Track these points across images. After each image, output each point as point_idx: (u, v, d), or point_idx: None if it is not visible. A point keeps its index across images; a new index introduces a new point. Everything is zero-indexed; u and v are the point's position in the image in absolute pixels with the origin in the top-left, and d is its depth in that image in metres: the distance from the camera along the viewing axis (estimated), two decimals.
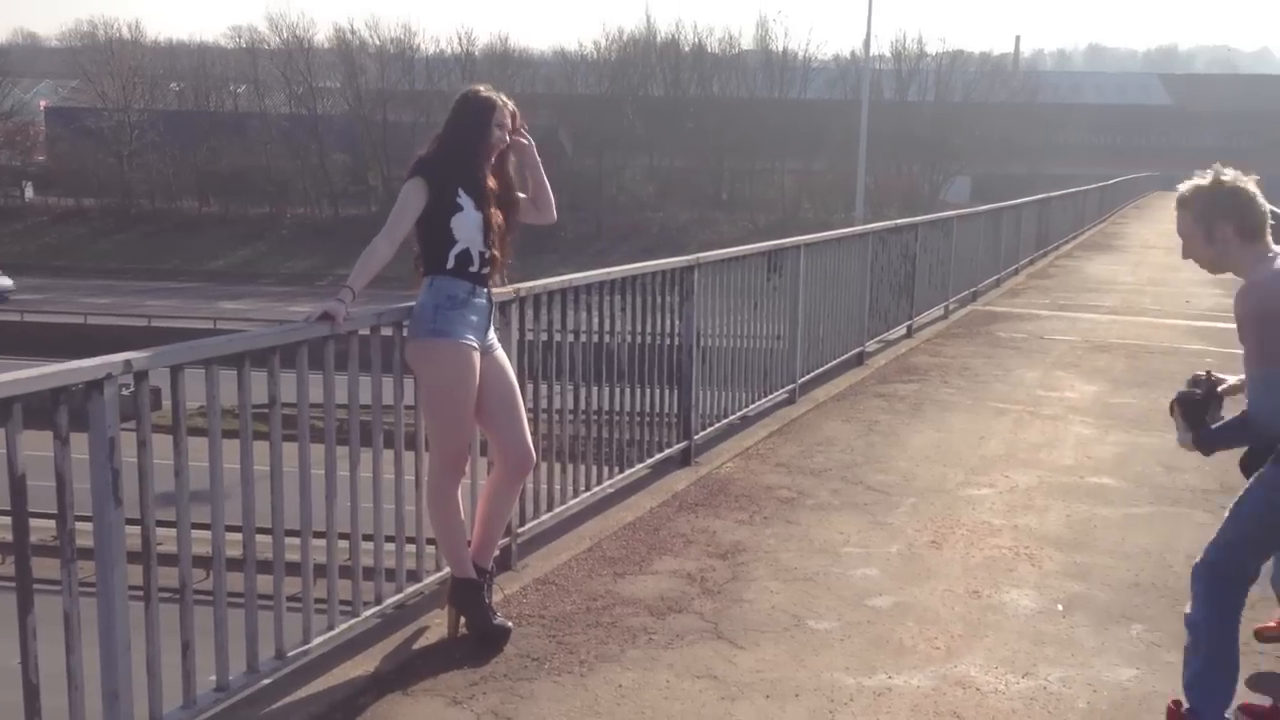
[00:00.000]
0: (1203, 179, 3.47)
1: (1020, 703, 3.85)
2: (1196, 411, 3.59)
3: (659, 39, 71.52)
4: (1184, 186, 3.51)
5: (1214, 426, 3.53)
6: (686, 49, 70.87)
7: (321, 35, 70.00)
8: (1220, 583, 3.48)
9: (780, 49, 71.04)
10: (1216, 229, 3.41)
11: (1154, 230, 30.87)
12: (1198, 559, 3.56)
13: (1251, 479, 3.52)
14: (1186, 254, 3.59)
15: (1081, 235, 27.26)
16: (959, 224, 13.67)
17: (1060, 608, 4.67)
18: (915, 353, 10.77)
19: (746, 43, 72.71)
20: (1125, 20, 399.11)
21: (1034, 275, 18.52)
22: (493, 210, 4.11)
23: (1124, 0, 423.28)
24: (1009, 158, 65.36)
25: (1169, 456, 6.96)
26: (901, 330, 11.42)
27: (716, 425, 7.07)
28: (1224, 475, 6.66)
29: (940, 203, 56.17)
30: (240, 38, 70.65)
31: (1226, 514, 3.55)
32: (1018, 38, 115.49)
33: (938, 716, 3.74)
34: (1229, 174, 3.44)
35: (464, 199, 4.04)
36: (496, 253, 4.15)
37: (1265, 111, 70.06)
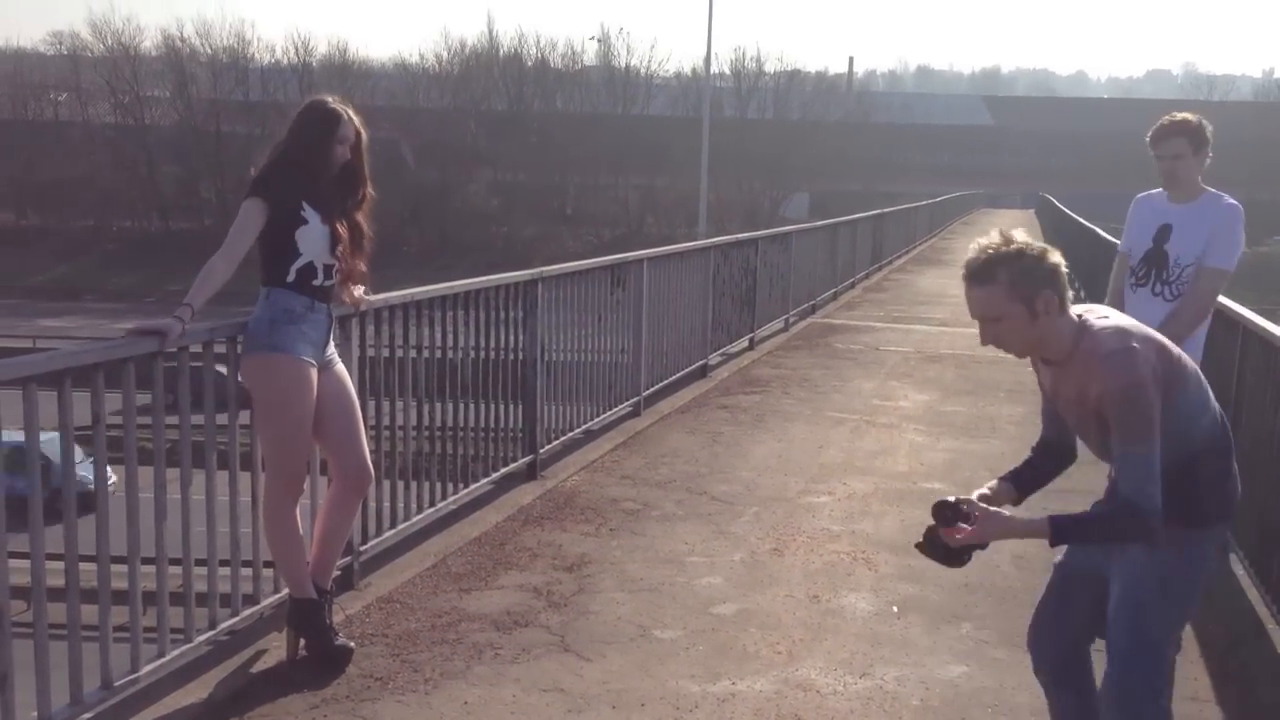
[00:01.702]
0: (998, 245, 2.83)
1: (858, 702, 3.96)
2: (941, 545, 2.95)
3: (501, 53, 71.42)
4: (981, 256, 2.84)
5: (1071, 518, 2.85)
6: (529, 63, 70.96)
7: (149, 42, 67.48)
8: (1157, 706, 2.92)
9: (623, 65, 71.81)
10: (1039, 300, 2.79)
11: None
12: (1107, 693, 2.94)
13: (1113, 583, 2.95)
14: (994, 338, 2.90)
15: (913, 250, 28.27)
16: (798, 239, 14.03)
17: (895, 609, 4.83)
18: (757, 365, 10.99)
19: (589, 58, 73.23)
20: (952, 43, 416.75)
21: (869, 289, 19.12)
22: (339, 221, 4.04)
23: (951, 24, 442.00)
24: (845, 175, 67.38)
25: (995, 461, 7.28)
26: (744, 343, 11.63)
27: (562, 439, 7.07)
28: None
29: (780, 218, 57.46)
30: (61, 44, 67.63)
31: (1115, 628, 2.95)
32: (851, 58, 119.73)
33: (779, 719, 3.82)
34: (1021, 234, 2.86)
35: (309, 212, 3.96)
36: (346, 265, 4.08)
37: (1080, 132, 73.97)
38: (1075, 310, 2.88)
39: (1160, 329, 4.26)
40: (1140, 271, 4.81)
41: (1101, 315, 2.90)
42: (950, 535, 2.90)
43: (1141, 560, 2.88)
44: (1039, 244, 2.85)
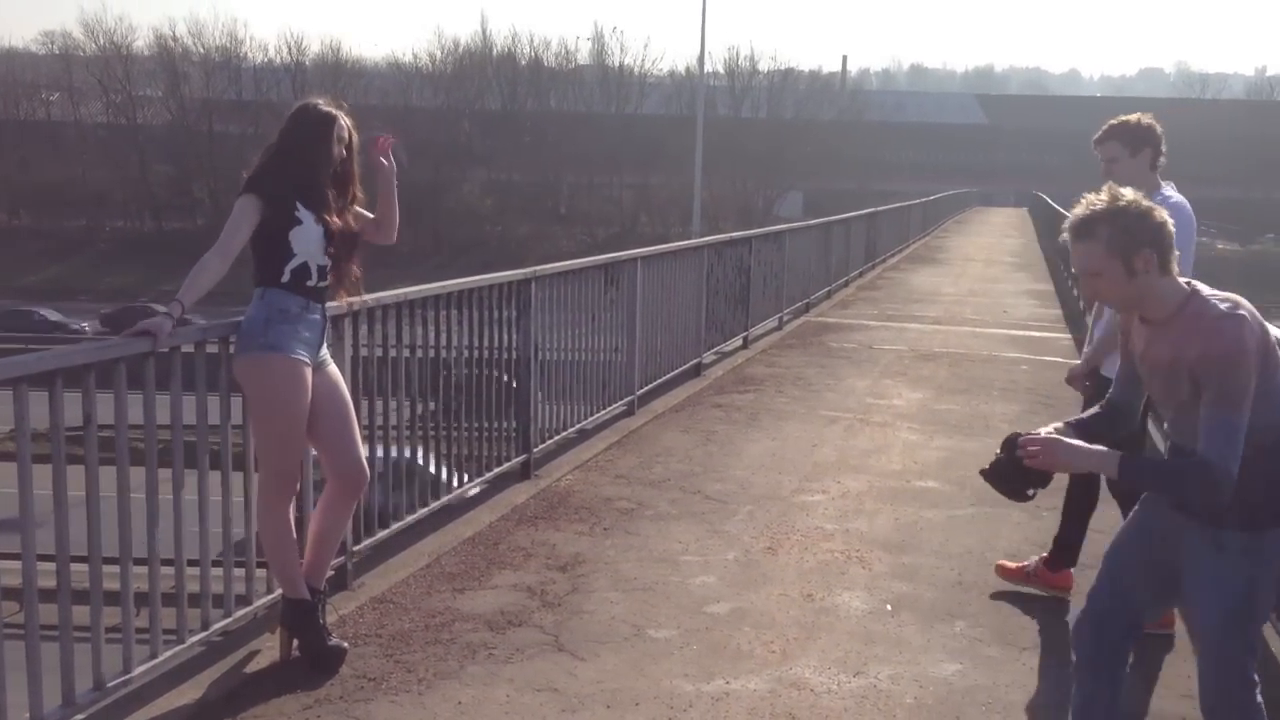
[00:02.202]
0: (1102, 201, 2.90)
1: (852, 701, 3.96)
2: (1008, 474, 3.14)
3: (495, 52, 71.40)
4: (1083, 212, 2.90)
5: (1142, 458, 2.98)
6: (523, 62, 70.95)
7: (141, 42, 67.47)
8: (1251, 708, 2.95)
9: (616, 64, 71.83)
10: (1138, 259, 2.84)
11: (974, 243, 32.34)
12: (1205, 701, 2.98)
13: (1200, 579, 2.97)
14: (1093, 293, 3.02)
15: (907, 249, 28.29)
16: (791, 237, 14.02)
17: (889, 608, 4.83)
18: (751, 363, 10.99)
19: (583, 57, 73.21)
20: (945, 42, 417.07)
21: (863, 287, 19.13)
22: (334, 223, 4.03)
23: (944, 22, 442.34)
24: (839, 173, 67.47)
25: (988, 459, 7.28)
26: (738, 341, 11.64)
27: (556, 438, 7.07)
28: None
29: (774, 217, 57.56)
30: (53, 44, 67.48)
31: (1203, 637, 3.00)
32: (845, 57, 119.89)
33: (774, 718, 3.82)
34: (1129, 193, 2.91)
35: (303, 212, 3.95)
36: (341, 266, 4.08)
37: (1073, 130, 73.86)
38: (1184, 279, 2.92)
39: (1106, 328, 4.46)
40: None
41: (1212, 289, 2.93)
42: (1024, 451, 2.99)
43: (1229, 571, 2.90)
44: (1144, 202, 2.90)
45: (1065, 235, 2.97)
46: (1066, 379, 5.02)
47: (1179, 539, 3.01)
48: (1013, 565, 5.13)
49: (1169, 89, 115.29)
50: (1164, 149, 4.71)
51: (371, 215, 4.30)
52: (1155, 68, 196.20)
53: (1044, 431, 3.12)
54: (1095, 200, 2.91)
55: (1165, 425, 3.09)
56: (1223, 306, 2.83)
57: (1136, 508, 3.27)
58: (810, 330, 13.50)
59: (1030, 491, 3.11)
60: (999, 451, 3.14)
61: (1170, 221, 2.89)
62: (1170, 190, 4.64)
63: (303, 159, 4.01)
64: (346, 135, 4.10)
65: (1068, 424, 3.24)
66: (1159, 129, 4.70)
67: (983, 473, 3.17)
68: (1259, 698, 2.96)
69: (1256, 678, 2.96)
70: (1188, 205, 4.58)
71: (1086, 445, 2.98)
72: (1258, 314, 2.89)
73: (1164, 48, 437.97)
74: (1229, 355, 2.77)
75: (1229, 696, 2.95)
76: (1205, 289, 2.92)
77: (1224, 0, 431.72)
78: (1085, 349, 5.05)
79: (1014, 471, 3.09)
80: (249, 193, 3.93)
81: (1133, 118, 4.71)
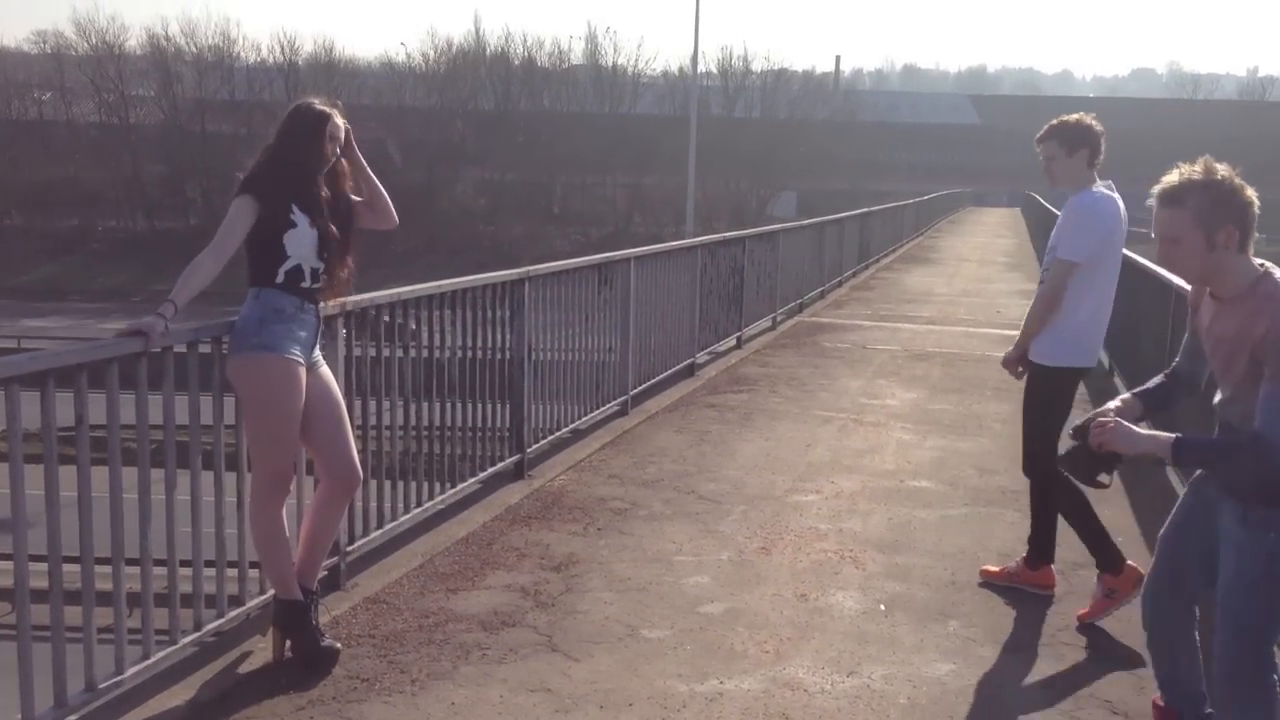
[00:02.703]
0: (1196, 172, 2.94)
1: (845, 701, 3.96)
2: (1083, 461, 3.26)
3: (488, 52, 71.24)
4: (1175, 179, 2.95)
5: (1196, 439, 3.09)
6: (516, 62, 70.80)
7: (134, 41, 67.12)
8: (1264, 686, 3.02)
9: (610, 64, 71.70)
10: (1221, 233, 2.90)
11: (967, 243, 32.38)
12: (1219, 670, 3.07)
13: (1226, 549, 3.07)
14: (1168, 259, 3.03)
15: (900, 249, 28.32)
16: (785, 237, 14.04)
17: (882, 608, 4.83)
18: (745, 363, 10.99)
19: (576, 57, 73.12)
20: (938, 42, 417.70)
21: (857, 287, 19.15)
22: (329, 225, 4.02)
23: (937, 23, 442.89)
24: (832, 173, 67.42)
25: (981, 459, 7.31)
26: (731, 341, 11.64)
27: (549, 438, 7.06)
28: None
29: (767, 217, 57.52)
30: (45, 43, 67.25)
31: (1222, 605, 3.08)
32: (838, 58, 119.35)
33: (767, 718, 3.82)
34: (1223, 168, 2.95)
35: (298, 215, 3.94)
36: (334, 268, 4.07)
37: None
38: (1258, 260, 2.95)
39: (1027, 314, 4.76)
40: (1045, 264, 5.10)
41: None
42: (1096, 438, 3.12)
43: (1250, 541, 2.99)
44: (1236, 180, 2.93)
45: (1151, 200, 2.98)
46: (1002, 363, 5.19)
47: (1218, 519, 3.13)
48: (996, 569, 5.16)
49: (1161, 89, 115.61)
50: (1103, 148, 4.86)
51: (359, 199, 4.29)
52: (1148, 68, 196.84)
53: (1111, 406, 3.26)
54: (1189, 170, 2.94)
55: (1215, 402, 3.15)
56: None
57: (1185, 490, 3.42)
58: (804, 330, 13.51)
59: (1102, 477, 3.24)
60: (1072, 437, 3.26)
61: (1256, 202, 2.93)
62: (1101, 187, 4.82)
63: (296, 160, 4.00)
64: (340, 133, 4.10)
65: (1135, 395, 3.40)
66: (1098, 129, 4.86)
67: (1058, 460, 3.32)
68: (1275, 676, 3.02)
69: (1270, 661, 3.01)
70: (1117, 199, 4.83)
71: (1143, 432, 3.09)
72: None
73: (1157, 48, 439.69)
74: None
75: (1240, 666, 3.02)
76: (1274, 267, 2.95)
77: (1217, 1, 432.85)
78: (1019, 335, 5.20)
79: (1086, 458, 3.20)
80: (245, 194, 3.92)
81: (1072, 118, 4.90)
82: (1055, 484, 4.84)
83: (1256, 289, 2.91)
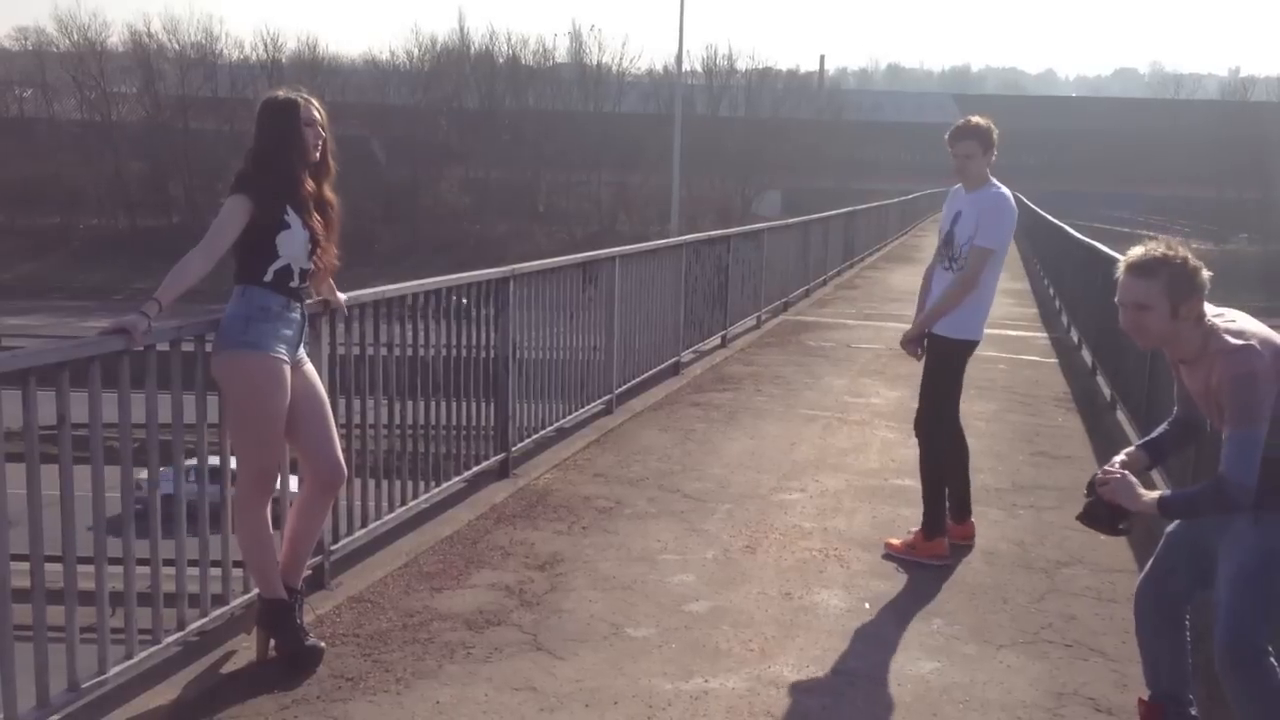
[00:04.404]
0: (1161, 249, 3.26)
1: (830, 699, 3.97)
2: (1100, 514, 3.44)
3: (473, 50, 71.18)
4: (1143, 253, 3.27)
5: (1175, 495, 3.38)
6: (501, 60, 70.79)
7: (116, 38, 66.89)
8: (1258, 668, 3.20)
9: (595, 63, 71.72)
10: (1185, 306, 3.22)
11: None
12: (1222, 652, 3.25)
13: (1222, 555, 3.30)
14: (1134, 324, 3.32)
15: (885, 247, 28.40)
16: (770, 236, 14.06)
17: (867, 605, 4.85)
18: (730, 362, 11.00)
19: (561, 55, 73.10)
20: (922, 42, 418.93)
21: (841, 286, 19.19)
22: (316, 222, 4.00)
23: (921, 22, 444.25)
24: (817, 172, 67.58)
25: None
26: (716, 340, 11.65)
27: (534, 437, 7.06)
28: (1015, 475, 7.06)
29: (752, 215, 57.59)
30: (26, 39, 66.87)
31: (1224, 590, 3.28)
32: (822, 56, 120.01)
33: (752, 717, 3.82)
34: (1183, 249, 3.28)
35: (291, 216, 3.92)
36: (319, 265, 4.05)
37: (1049, 130, 74.43)
38: (1210, 312, 3.29)
39: (941, 295, 5.31)
40: (940, 251, 5.56)
41: (1230, 319, 3.29)
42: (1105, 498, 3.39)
43: (1252, 535, 3.23)
44: (1194, 259, 3.29)
45: (1120, 271, 3.32)
46: (900, 343, 5.71)
47: (1224, 524, 3.33)
48: (896, 542, 5.50)
49: (1144, 89, 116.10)
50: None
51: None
52: (1130, 68, 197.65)
53: (1118, 460, 3.52)
54: (1157, 248, 3.28)
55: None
56: (1232, 341, 3.19)
57: None
58: (788, 329, 13.53)
59: (1122, 525, 3.43)
60: (1086, 495, 3.49)
61: (1207, 281, 3.26)
62: (995, 182, 5.42)
63: (281, 157, 3.97)
64: (315, 115, 4.02)
65: (1139, 446, 3.66)
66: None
67: (1079, 518, 3.50)
68: (1270, 659, 3.20)
69: (1266, 646, 3.19)
70: (1011, 197, 5.44)
71: (1141, 492, 3.37)
72: (1271, 339, 3.22)
73: (1139, 48, 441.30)
74: (1238, 379, 3.14)
75: (1235, 651, 3.20)
76: (1222, 324, 3.26)
77: (1199, 2, 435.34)
78: (916, 315, 5.70)
79: (1102, 510, 3.43)
80: (240, 193, 3.88)
81: (982, 121, 5.42)
82: (941, 439, 5.51)
83: (1207, 347, 3.25)
